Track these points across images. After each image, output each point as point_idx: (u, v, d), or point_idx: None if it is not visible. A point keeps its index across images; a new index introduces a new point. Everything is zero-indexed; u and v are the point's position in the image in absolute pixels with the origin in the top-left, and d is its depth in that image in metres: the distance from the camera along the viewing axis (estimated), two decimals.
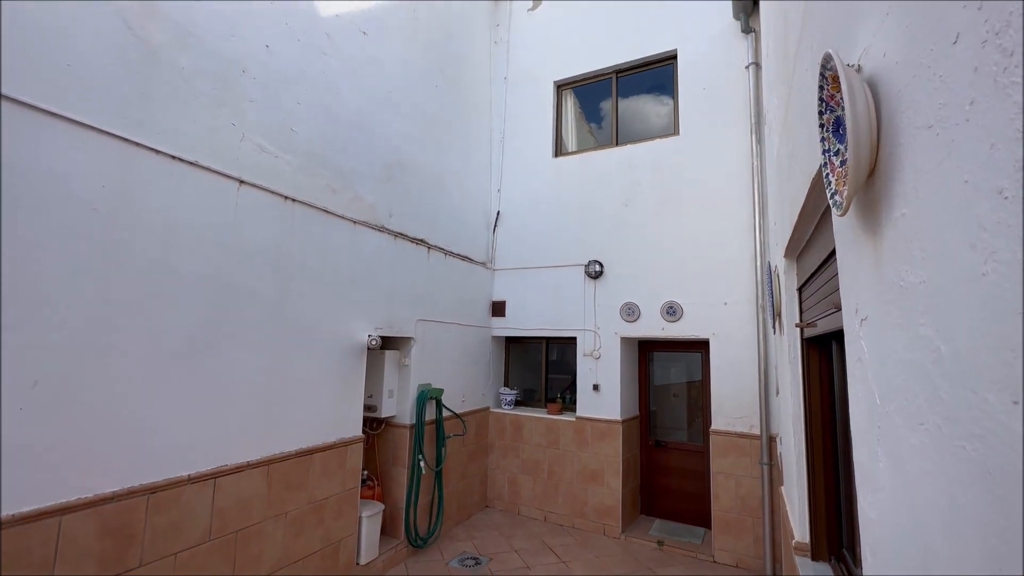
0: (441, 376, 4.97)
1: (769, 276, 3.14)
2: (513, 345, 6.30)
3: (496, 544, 4.76)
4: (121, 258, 2.45)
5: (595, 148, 5.93)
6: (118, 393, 2.41)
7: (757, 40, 4.82)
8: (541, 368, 6.07)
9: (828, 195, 0.98)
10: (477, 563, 4.35)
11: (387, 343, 4.54)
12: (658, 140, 5.41)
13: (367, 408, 4.25)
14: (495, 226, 6.19)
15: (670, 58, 5.52)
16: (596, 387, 5.29)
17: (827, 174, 1.00)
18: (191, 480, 2.70)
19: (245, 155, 3.13)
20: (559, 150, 6.11)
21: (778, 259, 2.92)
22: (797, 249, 2.46)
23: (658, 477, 5.48)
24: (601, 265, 5.43)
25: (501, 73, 6.50)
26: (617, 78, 5.90)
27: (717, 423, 4.67)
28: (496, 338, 6.11)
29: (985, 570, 0.51)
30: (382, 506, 4.17)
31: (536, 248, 5.90)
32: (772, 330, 4.19)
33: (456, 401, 5.18)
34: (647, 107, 5.90)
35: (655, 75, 5.75)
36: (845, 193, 0.89)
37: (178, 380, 2.67)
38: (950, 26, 0.57)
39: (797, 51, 1.81)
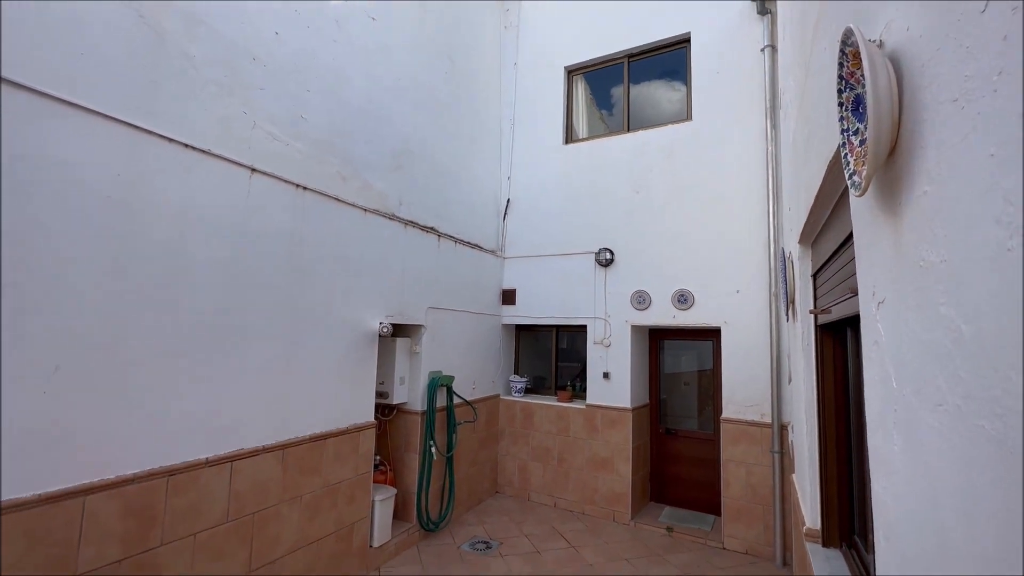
0: (452, 364, 5.01)
1: (783, 263, 3.10)
2: (523, 333, 6.31)
3: (507, 529, 4.82)
4: (136, 245, 2.48)
5: (606, 135, 5.86)
6: (136, 378, 2.46)
7: (773, 21, 4.71)
8: (551, 356, 6.08)
9: (846, 175, 0.96)
10: (488, 547, 4.41)
11: (398, 331, 4.58)
12: (671, 126, 5.33)
13: (379, 395, 4.30)
14: (505, 214, 6.17)
15: (683, 42, 5.42)
16: (606, 375, 5.29)
17: (845, 154, 0.98)
18: (209, 463, 2.76)
19: (256, 143, 3.15)
20: (570, 137, 6.05)
21: (792, 245, 2.88)
22: (812, 235, 2.42)
23: (668, 465, 5.49)
24: (612, 253, 5.40)
25: (511, 59, 6.42)
26: (629, 63, 5.81)
27: (728, 411, 4.66)
28: (506, 326, 6.12)
29: (1002, 549, 0.51)
30: (394, 491, 4.24)
31: (546, 236, 5.87)
32: (785, 318, 4.15)
33: (467, 388, 5.22)
34: (659, 93, 5.80)
35: (668, 59, 5.64)
36: (864, 173, 0.87)
37: (194, 366, 2.72)
38: None
39: (815, 30, 1.76)
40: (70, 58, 2.26)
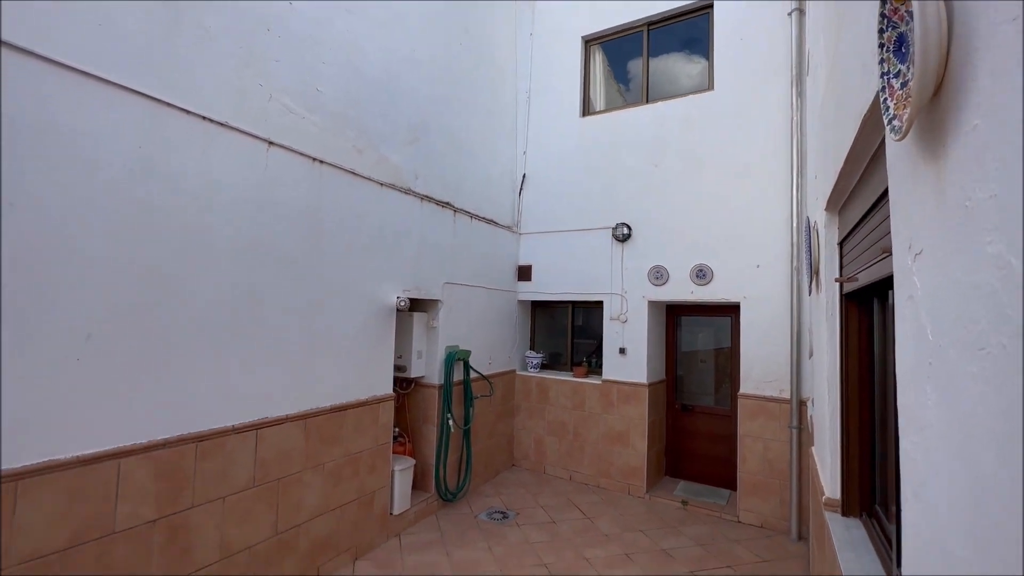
0: (468, 338, 5.04)
1: (808, 232, 3.02)
2: (539, 309, 6.31)
3: (523, 500, 4.91)
4: (159, 217, 2.52)
5: (624, 106, 5.72)
6: (163, 348, 2.53)
7: None
8: (567, 332, 6.08)
9: (885, 121, 0.91)
10: (505, 517, 4.51)
11: (415, 305, 4.61)
12: (691, 96, 5.18)
13: (397, 368, 4.36)
14: (521, 189, 6.11)
15: (706, 7, 5.21)
16: (623, 351, 5.28)
17: (885, 99, 0.93)
18: (235, 430, 2.84)
19: (272, 116, 3.14)
20: (587, 109, 5.92)
21: (818, 214, 2.80)
22: (840, 201, 2.35)
23: (684, 440, 5.50)
24: (629, 228, 5.32)
25: (527, 29, 6.27)
26: (648, 31, 5.62)
27: (746, 387, 4.62)
28: (522, 302, 6.12)
29: None
30: (413, 461, 4.34)
31: (562, 211, 5.81)
32: (807, 292, 4.07)
33: (483, 363, 5.26)
34: (678, 66, 5.62)
35: (688, 27, 5.45)
36: (906, 116, 0.83)
37: (218, 337, 2.78)
38: None
39: None
40: (88, 29, 2.26)
